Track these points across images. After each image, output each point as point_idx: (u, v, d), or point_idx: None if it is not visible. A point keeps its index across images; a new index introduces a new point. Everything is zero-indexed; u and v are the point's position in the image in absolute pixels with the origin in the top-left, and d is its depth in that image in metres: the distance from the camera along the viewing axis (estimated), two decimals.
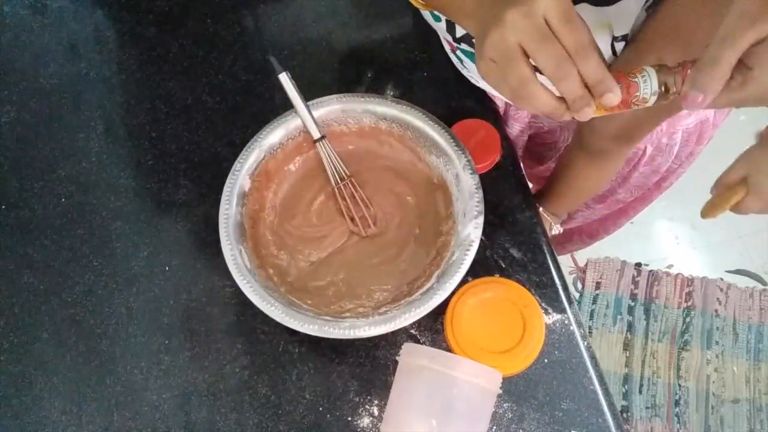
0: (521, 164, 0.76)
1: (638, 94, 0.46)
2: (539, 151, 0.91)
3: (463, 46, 0.67)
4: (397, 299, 0.63)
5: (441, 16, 0.63)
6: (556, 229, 0.89)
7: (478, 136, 0.71)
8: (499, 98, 0.77)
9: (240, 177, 0.66)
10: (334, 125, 0.70)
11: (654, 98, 0.46)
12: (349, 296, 0.65)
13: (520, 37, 0.42)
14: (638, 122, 0.61)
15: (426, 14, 0.66)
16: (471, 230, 0.61)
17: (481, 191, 0.63)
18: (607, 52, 0.55)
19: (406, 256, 0.67)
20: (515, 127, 0.82)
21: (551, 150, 0.91)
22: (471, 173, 0.64)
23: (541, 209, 0.85)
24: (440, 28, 0.66)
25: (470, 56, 0.70)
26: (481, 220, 0.61)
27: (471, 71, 0.74)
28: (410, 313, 0.58)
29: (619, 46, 0.55)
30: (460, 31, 0.64)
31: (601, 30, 0.53)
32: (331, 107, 0.69)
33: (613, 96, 0.43)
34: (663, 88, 0.46)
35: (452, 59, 0.78)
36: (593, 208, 0.99)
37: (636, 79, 0.45)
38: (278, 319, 0.58)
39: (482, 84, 0.75)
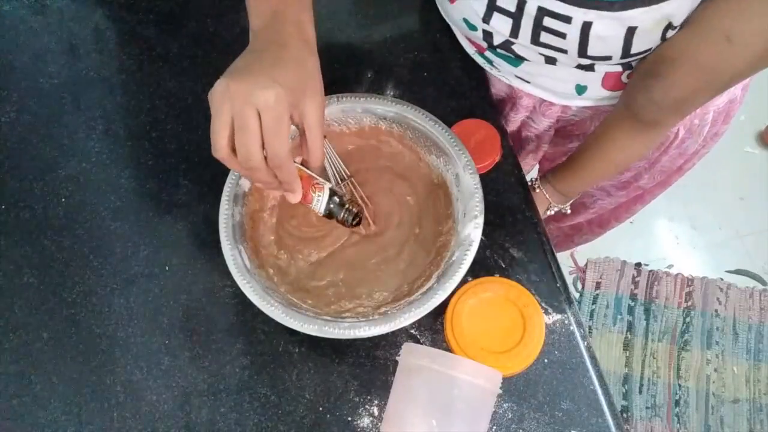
0: (521, 164, 0.76)
1: (311, 205, 0.59)
2: (565, 143, 0.89)
3: (500, 51, 0.67)
4: (397, 299, 0.63)
5: (477, 25, 0.63)
6: (556, 210, 0.86)
7: (478, 136, 0.71)
8: (532, 96, 0.76)
9: (240, 177, 0.66)
10: (334, 125, 0.70)
11: (324, 212, 0.60)
12: (349, 296, 0.65)
13: (234, 113, 0.48)
14: (696, 94, 0.61)
15: (459, 23, 0.66)
16: (471, 230, 0.61)
17: (481, 191, 0.63)
18: (655, 41, 0.56)
19: (405, 256, 0.67)
20: (544, 123, 0.80)
21: (580, 140, 0.88)
22: (471, 173, 0.64)
23: (538, 190, 0.83)
24: (475, 36, 0.66)
25: (505, 58, 0.70)
26: (481, 220, 0.61)
27: (502, 71, 0.73)
28: (410, 313, 0.58)
29: (671, 33, 0.55)
30: (498, 39, 0.64)
31: (656, 27, 0.54)
32: (331, 107, 0.69)
33: (293, 197, 0.56)
34: (339, 208, 0.60)
35: (477, 60, 0.77)
36: (614, 196, 0.97)
37: (314, 194, 0.58)
38: (278, 319, 0.58)
39: (516, 83, 0.74)
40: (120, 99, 0.82)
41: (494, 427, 0.61)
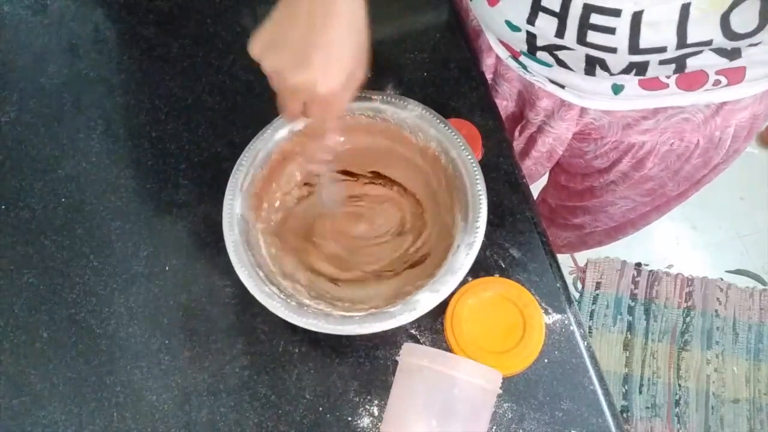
0: (521, 165, 0.76)
1: None
2: (581, 147, 0.85)
3: (541, 54, 0.65)
4: (398, 298, 0.63)
5: (521, 27, 0.62)
6: None
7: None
8: (554, 96, 0.74)
9: (242, 176, 0.66)
10: None
11: None
12: (350, 295, 0.65)
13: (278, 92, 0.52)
14: None
15: (499, 25, 0.65)
16: (471, 230, 0.61)
17: (482, 191, 0.63)
18: (715, 29, 0.53)
19: (406, 255, 0.67)
20: (562, 126, 0.79)
21: (597, 144, 0.84)
22: (472, 173, 0.64)
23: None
24: (516, 38, 0.64)
25: (542, 63, 0.68)
26: (481, 220, 0.61)
27: (537, 76, 0.72)
28: (410, 312, 0.58)
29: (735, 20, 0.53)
30: (542, 41, 0.62)
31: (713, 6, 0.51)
32: None
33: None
34: None
35: (510, 65, 0.75)
36: (638, 203, 0.94)
37: None
38: (279, 313, 0.58)
39: (549, 87, 0.73)
40: (120, 99, 0.82)
41: (494, 427, 0.61)
